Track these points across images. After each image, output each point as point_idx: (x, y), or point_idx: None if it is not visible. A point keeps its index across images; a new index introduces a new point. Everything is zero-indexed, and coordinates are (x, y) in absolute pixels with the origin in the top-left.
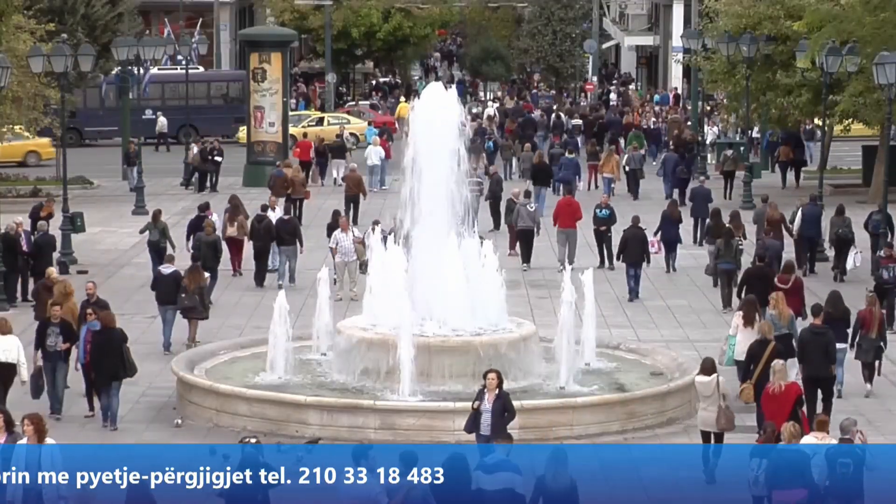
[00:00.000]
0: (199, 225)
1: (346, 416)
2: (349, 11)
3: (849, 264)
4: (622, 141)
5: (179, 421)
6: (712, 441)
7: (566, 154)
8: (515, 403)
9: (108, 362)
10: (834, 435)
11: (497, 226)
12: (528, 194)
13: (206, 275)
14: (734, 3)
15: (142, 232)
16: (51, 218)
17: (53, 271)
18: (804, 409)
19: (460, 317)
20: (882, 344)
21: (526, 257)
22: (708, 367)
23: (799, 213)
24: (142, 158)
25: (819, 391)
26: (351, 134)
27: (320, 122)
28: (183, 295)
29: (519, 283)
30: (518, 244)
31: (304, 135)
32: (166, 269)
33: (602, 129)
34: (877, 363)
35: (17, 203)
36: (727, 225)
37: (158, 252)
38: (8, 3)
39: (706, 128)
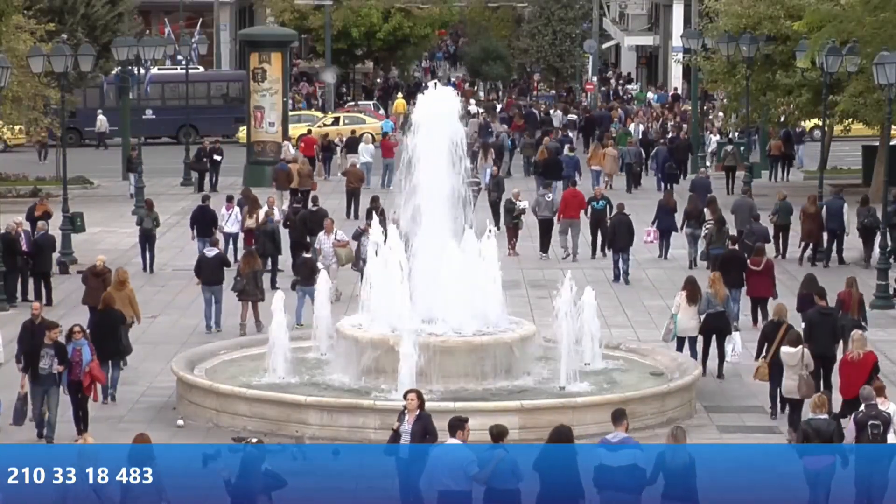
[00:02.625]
0: (201, 218)
1: (346, 416)
2: (349, 11)
3: (875, 250)
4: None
5: (181, 422)
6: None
7: (565, 150)
8: (516, 403)
9: (108, 341)
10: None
11: (497, 226)
12: (546, 185)
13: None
14: (734, 3)
15: (138, 224)
16: (49, 218)
17: (103, 258)
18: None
19: (460, 316)
20: (863, 323)
21: (544, 247)
22: (794, 339)
23: (823, 207)
24: (142, 159)
25: (821, 369)
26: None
27: (336, 121)
28: (237, 278)
29: (519, 283)
30: (539, 234)
31: (309, 131)
32: (210, 251)
33: (590, 124)
34: None
35: (17, 203)
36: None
37: (149, 239)
38: (8, 3)
39: (707, 135)
